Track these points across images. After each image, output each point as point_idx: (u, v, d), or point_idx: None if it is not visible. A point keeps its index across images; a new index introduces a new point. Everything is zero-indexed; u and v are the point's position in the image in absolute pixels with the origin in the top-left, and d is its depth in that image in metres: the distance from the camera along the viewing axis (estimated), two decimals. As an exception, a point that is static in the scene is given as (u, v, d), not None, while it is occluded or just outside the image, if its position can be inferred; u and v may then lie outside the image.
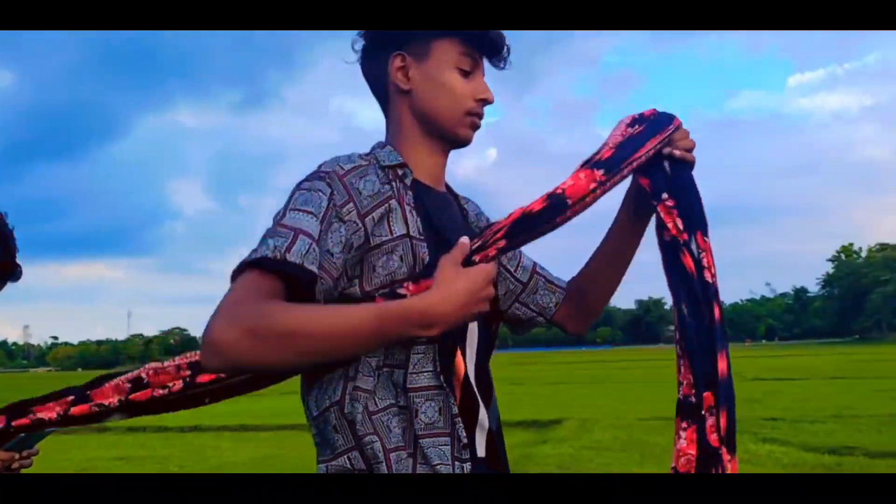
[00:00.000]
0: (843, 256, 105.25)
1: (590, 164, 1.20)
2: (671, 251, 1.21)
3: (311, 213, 1.05)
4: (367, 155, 1.20)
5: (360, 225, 1.08)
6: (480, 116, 1.26)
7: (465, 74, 1.23)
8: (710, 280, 1.17)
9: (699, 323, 1.15)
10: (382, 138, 1.25)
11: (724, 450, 1.07)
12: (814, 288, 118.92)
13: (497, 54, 1.26)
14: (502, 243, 1.13)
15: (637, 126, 1.26)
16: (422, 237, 1.14)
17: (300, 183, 1.11)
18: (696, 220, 1.21)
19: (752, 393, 14.03)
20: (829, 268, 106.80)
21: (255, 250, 1.01)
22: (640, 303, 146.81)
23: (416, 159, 1.23)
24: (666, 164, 1.25)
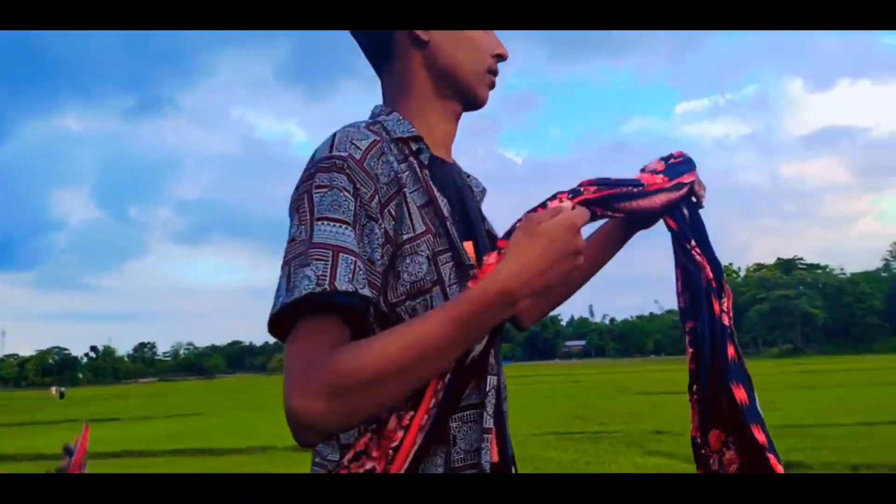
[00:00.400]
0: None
1: (645, 171, 1.21)
2: (707, 295, 1.18)
3: (343, 222, 0.89)
4: (372, 124, 1.01)
5: (381, 219, 0.92)
6: (496, 74, 1.13)
7: None
8: (727, 324, 1.17)
9: (713, 364, 1.14)
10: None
11: (769, 455, 1.07)
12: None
13: None
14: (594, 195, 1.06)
15: (672, 160, 1.26)
16: (453, 219, 1.00)
17: (313, 175, 0.92)
18: (716, 266, 1.21)
19: (640, 407, 14.68)
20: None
21: (290, 286, 0.85)
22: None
23: (427, 126, 1.07)
24: (685, 209, 1.25)
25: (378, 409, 0.85)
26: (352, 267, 0.86)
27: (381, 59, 1.10)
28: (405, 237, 0.94)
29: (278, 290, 0.87)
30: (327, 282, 0.84)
